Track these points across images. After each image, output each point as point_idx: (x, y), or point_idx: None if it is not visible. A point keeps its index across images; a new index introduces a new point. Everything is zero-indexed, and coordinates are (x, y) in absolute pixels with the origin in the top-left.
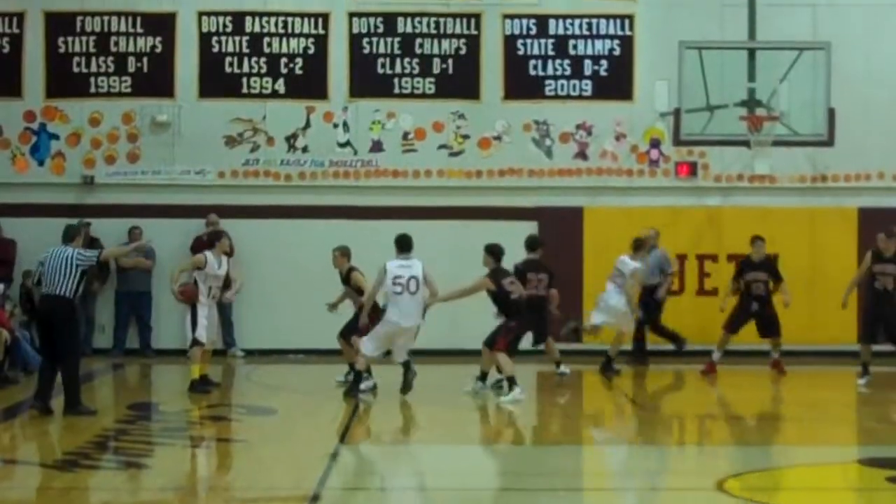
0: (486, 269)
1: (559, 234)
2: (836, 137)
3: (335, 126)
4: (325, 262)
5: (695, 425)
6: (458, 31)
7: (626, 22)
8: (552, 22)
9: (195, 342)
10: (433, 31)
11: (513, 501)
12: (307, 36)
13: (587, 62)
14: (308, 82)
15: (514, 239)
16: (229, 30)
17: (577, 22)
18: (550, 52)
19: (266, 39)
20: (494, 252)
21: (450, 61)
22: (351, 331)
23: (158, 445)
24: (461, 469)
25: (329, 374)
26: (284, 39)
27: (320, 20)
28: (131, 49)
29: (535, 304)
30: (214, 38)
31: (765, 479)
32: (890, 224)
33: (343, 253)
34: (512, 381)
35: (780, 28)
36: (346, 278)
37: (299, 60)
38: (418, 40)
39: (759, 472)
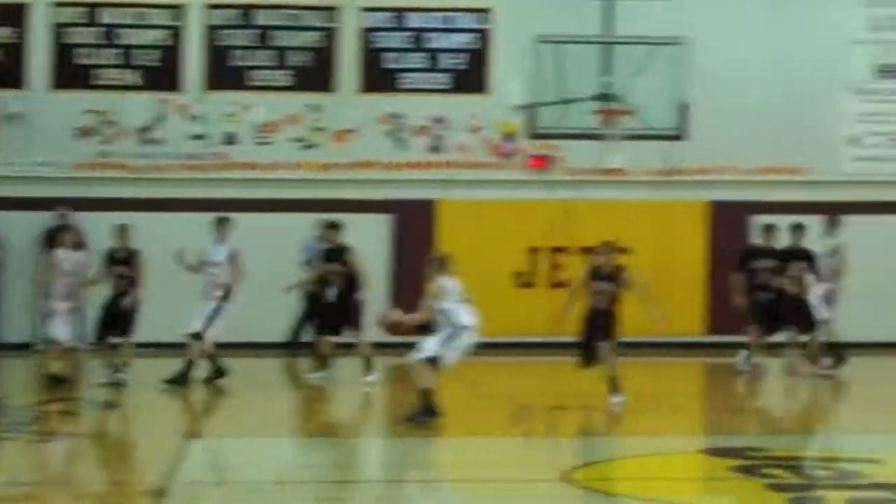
0: None
1: (413, 227)
2: (688, 131)
3: (189, 118)
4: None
5: (542, 417)
6: (314, 23)
7: (483, 16)
8: (409, 15)
9: (49, 341)
10: (290, 24)
11: (356, 493)
12: (162, 27)
13: (443, 55)
14: (162, 74)
15: (368, 232)
16: (83, 20)
17: (434, 15)
18: (407, 46)
19: (120, 31)
20: None
21: (305, 54)
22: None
23: (2, 440)
24: (309, 461)
25: (172, 368)
26: (139, 31)
27: (174, 12)
28: None
29: None
30: (67, 29)
31: (610, 470)
32: (741, 217)
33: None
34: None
35: (635, 23)
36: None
37: (153, 52)
38: (274, 33)
39: (604, 462)
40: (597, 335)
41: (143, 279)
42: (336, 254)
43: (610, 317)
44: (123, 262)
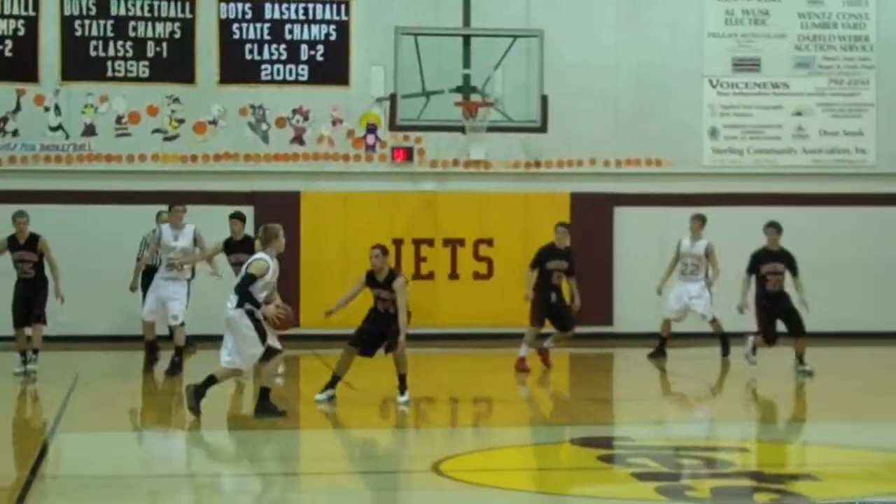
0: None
1: (276, 218)
2: (548, 124)
3: (46, 109)
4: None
5: (410, 409)
6: (172, 14)
7: (342, 7)
8: (268, 6)
9: None
10: (147, 14)
11: (229, 486)
12: (17, 17)
13: (303, 47)
14: (18, 64)
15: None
16: None
17: (293, 7)
18: (266, 37)
19: None
20: None
21: (164, 45)
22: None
23: None
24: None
25: (46, 363)
26: None
27: (31, 1)
28: None
29: None
30: None
31: (480, 461)
32: (599, 207)
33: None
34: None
35: (494, 15)
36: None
37: (9, 42)
38: (132, 23)
39: (474, 453)
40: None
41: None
42: (242, 246)
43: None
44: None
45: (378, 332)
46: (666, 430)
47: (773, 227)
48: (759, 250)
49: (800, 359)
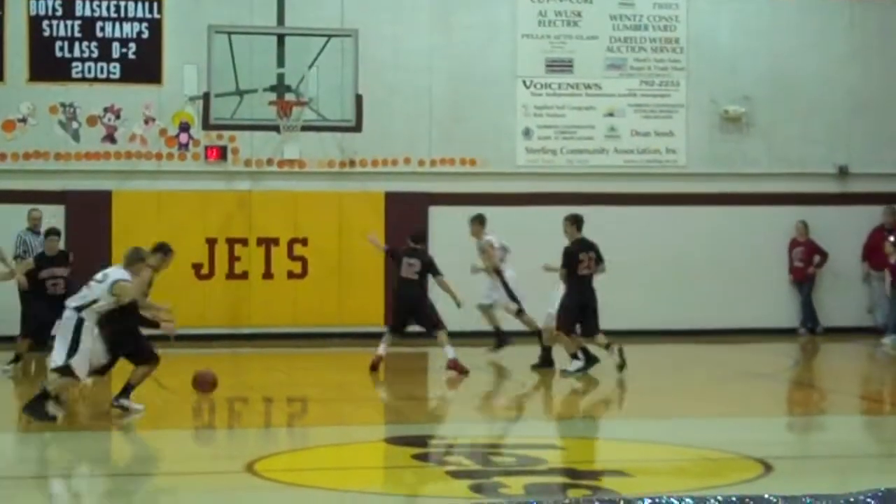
0: None
1: (87, 218)
2: (363, 123)
3: None
4: None
5: (224, 409)
6: None
7: (154, 5)
8: (79, 4)
9: None
10: None
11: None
12: None
13: (115, 44)
14: None
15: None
16: None
17: (104, 4)
18: (77, 34)
19: None
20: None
21: None
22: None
23: None
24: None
25: None
26: None
27: None
28: None
29: None
30: None
31: (294, 460)
32: (414, 207)
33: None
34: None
35: (309, 15)
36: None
37: None
38: None
39: (288, 452)
40: None
41: None
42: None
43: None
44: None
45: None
46: (478, 428)
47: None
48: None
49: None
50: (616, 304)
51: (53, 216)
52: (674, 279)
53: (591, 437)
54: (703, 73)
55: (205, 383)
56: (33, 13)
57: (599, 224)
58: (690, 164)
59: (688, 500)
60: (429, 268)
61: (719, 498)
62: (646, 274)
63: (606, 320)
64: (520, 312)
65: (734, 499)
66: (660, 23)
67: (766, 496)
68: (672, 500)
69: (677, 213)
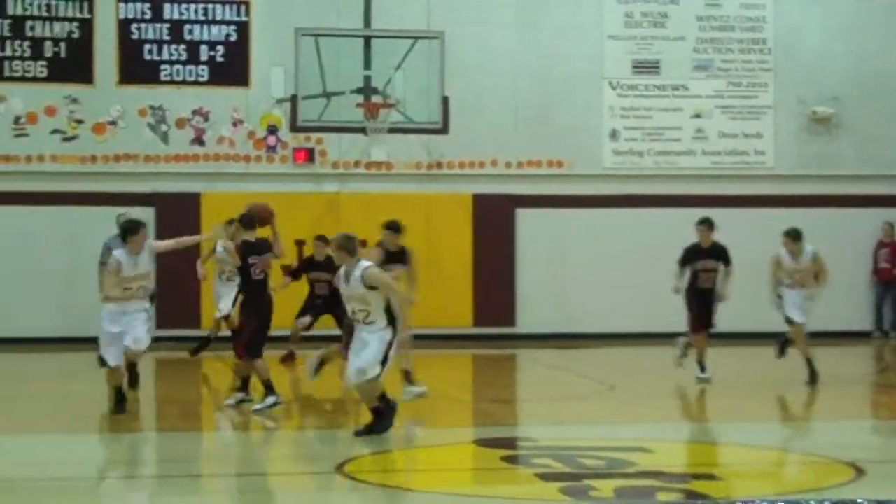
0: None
1: (175, 220)
2: (449, 125)
3: None
4: None
5: (314, 410)
6: (70, 13)
7: (242, 8)
8: (167, 6)
9: None
10: (45, 14)
11: (114, 490)
12: None
13: (203, 47)
14: None
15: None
16: None
17: (192, 7)
18: (166, 37)
19: None
20: None
21: (62, 45)
22: None
23: None
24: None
25: None
26: None
27: None
28: None
29: None
30: None
31: (384, 462)
32: (501, 209)
33: None
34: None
35: (395, 17)
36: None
37: None
38: (29, 23)
39: (377, 454)
40: None
41: None
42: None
43: None
44: None
45: None
46: (568, 430)
47: (705, 224)
48: (691, 246)
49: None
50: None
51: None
52: (757, 281)
53: (679, 440)
54: (790, 74)
55: (261, 212)
56: (122, 17)
57: (686, 225)
58: (778, 165)
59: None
60: None
61: (812, 502)
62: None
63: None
64: None
65: (827, 503)
66: (747, 24)
67: (860, 501)
68: None
69: (765, 215)
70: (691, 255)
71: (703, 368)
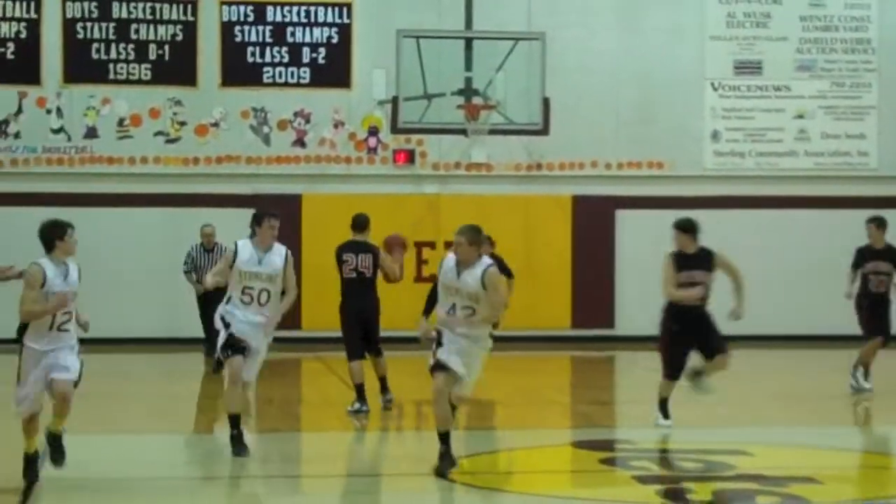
0: None
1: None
2: (550, 126)
3: (48, 112)
4: (38, 250)
5: (412, 411)
6: (174, 16)
7: (344, 10)
8: (270, 9)
9: None
10: (149, 17)
11: (224, 489)
12: (19, 20)
13: (305, 49)
14: (20, 67)
15: (233, 227)
16: None
17: (294, 9)
18: (268, 40)
19: None
20: None
21: (166, 47)
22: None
23: None
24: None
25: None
26: None
27: (32, 4)
28: None
29: None
30: None
31: (483, 463)
32: (601, 210)
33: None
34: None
35: (496, 18)
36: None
37: (11, 45)
38: (133, 26)
39: (476, 455)
40: None
41: None
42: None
43: None
44: None
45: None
46: (665, 433)
47: (874, 223)
48: (863, 247)
49: (864, 369)
50: (814, 307)
51: (243, 219)
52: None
53: (778, 444)
54: (894, 74)
55: (396, 243)
56: (225, 19)
57: (788, 227)
58: (883, 166)
59: None
60: None
61: None
62: (839, 279)
63: (804, 324)
64: None
65: None
66: (851, 23)
67: None
68: None
69: (868, 216)
70: (862, 258)
71: (865, 377)
